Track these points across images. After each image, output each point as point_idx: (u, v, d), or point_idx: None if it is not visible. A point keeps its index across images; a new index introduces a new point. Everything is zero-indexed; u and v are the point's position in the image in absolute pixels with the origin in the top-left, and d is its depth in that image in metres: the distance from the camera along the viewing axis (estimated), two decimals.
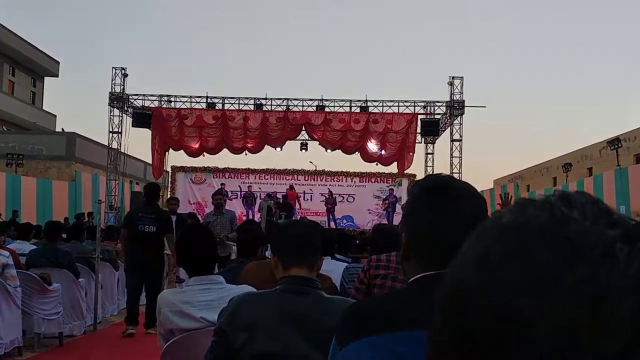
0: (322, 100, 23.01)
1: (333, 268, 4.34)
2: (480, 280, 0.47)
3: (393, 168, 25.02)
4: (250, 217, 22.03)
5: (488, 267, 0.47)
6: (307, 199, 25.28)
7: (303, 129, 23.50)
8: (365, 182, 25.73)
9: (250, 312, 2.14)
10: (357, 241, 6.33)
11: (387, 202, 24.49)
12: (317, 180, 25.98)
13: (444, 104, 23.01)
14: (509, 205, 0.52)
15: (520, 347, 0.43)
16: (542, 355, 0.42)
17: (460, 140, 23.00)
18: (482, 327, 0.45)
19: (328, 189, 24.99)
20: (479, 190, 1.45)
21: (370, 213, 24.64)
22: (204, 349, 2.69)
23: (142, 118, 22.99)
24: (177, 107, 23.30)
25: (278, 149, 23.96)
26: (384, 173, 25.67)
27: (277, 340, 2.09)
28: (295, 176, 25.92)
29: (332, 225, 22.96)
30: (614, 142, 21.38)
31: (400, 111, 23.08)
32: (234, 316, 2.16)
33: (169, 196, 25.77)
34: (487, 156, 73.36)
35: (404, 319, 1.31)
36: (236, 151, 24.15)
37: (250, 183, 25.06)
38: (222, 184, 24.42)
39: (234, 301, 2.22)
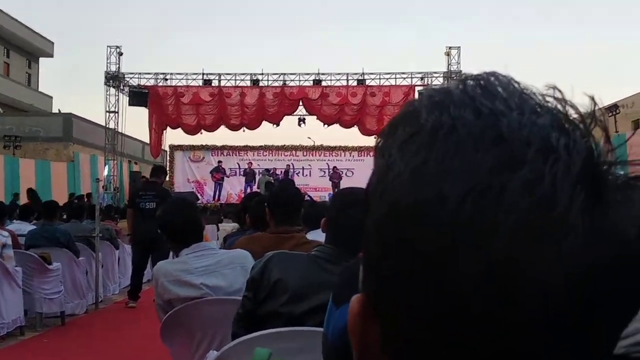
0: (318, 74, 22.86)
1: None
2: (420, 199, 0.40)
3: None
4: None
5: (428, 182, 0.40)
6: (307, 175, 25.22)
7: (300, 104, 23.32)
8: (364, 156, 25.60)
9: (282, 270, 2.18)
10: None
11: None
12: (315, 156, 25.92)
13: (442, 75, 22.83)
14: None
15: (469, 262, 0.38)
16: (490, 266, 0.37)
17: None
18: (428, 246, 0.39)
19: (327, 164, 24.92)
20: None
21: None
22: (207, 318, 2.68)
23: (138, 97, 22.85)
24: (173, 84, 23.16)
25: (275, 126, 23.83)
26: None
27: (305, 302, 2.12)
28: (294, 152, 25.86)
29: None
30: (612, 109, 21.26)
31: (397, 83, 22.92)
32: (264, 270, 2.19)
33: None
34: None
35: None
36: (234, 128, 24.00)
37: (249, 160, 24.94)
38: (219, 162, 24.28)
39: (268, 257, 2.24)
